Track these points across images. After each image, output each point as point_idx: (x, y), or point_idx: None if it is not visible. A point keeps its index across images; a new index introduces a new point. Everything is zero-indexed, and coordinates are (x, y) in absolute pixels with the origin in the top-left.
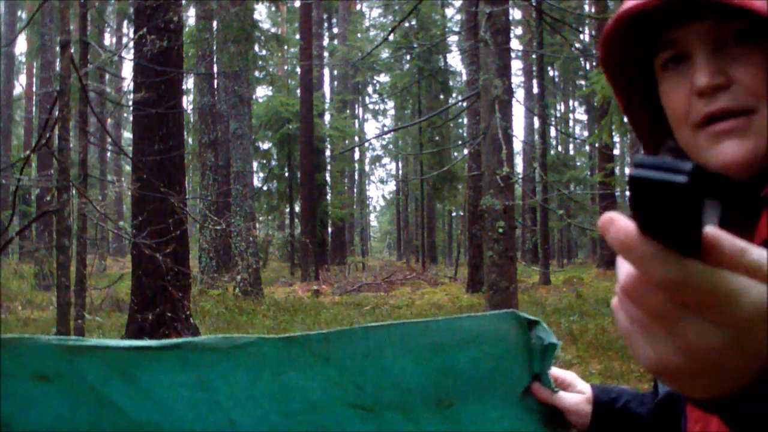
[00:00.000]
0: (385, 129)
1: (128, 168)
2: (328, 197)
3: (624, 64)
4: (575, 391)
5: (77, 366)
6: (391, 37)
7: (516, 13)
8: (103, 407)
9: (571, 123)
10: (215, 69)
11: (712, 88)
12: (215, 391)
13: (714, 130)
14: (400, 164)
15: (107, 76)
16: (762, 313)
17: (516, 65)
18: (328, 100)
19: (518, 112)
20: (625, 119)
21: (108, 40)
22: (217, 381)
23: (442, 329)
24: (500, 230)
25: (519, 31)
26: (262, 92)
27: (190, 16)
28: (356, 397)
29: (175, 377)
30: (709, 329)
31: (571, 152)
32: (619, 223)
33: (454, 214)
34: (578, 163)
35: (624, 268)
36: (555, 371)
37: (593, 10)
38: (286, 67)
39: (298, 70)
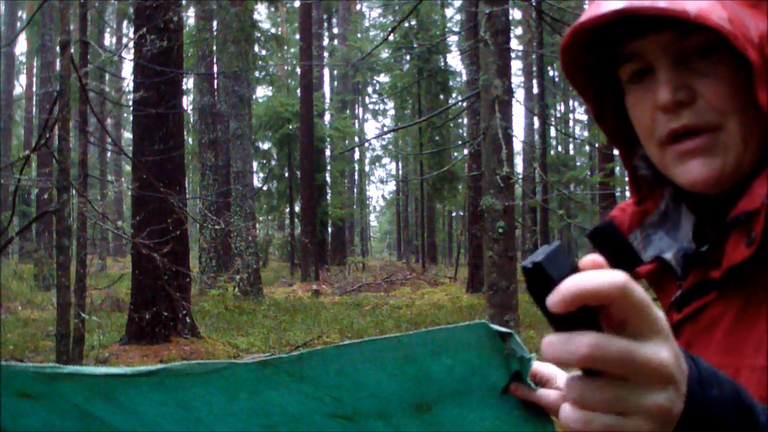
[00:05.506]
0: (385, 129)
1: (128, 168)
2: (328, 197)
3: (589, 74)
4: (555, 387)
5: (57, 388)
6: (391, 37)
7: (516, 13)
8: (90, 420)
9: (571, 123)
10: (215, 69)
11: (675, 104)
12: (195, 410)
13: (679, 149)
14: (400, 164)
15: (107, 76)
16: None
17: (516, 65)
18: (328, 100)
19: (518, 112)
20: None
21: (108, 40)
22: (195, 401)
23: (413, 342)
24: (500, 230)
25: (519, 31)
26: (262, 92)
27: (190, 16)
28: (334, 408)
29: (154, 397)
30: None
31: (571, 152)
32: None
33: (454, 214)
34: (578, 163)
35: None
36: (536, 365)
37: None
38: (286, 67)
39: (298, 70)
